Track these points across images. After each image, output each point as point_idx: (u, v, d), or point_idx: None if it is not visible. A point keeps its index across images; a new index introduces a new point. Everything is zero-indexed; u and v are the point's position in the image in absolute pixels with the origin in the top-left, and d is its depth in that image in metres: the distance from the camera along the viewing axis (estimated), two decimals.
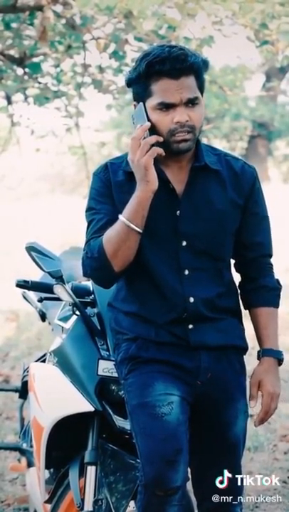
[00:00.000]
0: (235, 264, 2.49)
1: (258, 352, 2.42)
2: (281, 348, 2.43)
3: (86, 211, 2.39)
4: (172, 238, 2.31)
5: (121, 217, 2.23)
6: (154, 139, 2.20)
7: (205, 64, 2.29)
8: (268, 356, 2.40)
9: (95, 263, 2.28)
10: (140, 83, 2.26)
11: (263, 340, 2.42)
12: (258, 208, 2.42)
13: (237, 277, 2.48)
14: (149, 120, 2.23)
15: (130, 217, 2.22)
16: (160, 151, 2.20)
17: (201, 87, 2.28)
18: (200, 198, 2.33)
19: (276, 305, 2.46)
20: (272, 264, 2.49)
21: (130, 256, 2.26)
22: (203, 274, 2.33)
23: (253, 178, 2.41)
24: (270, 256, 2.48)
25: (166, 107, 2.23)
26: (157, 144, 2.22)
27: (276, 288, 2.47)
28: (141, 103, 2.24)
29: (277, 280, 2.48)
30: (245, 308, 2.49)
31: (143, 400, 2.28)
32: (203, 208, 2.33)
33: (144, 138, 2.20)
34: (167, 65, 2.21)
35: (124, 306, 2.39)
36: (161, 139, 2.21)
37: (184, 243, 2.31)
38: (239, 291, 2.49)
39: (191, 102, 2.24)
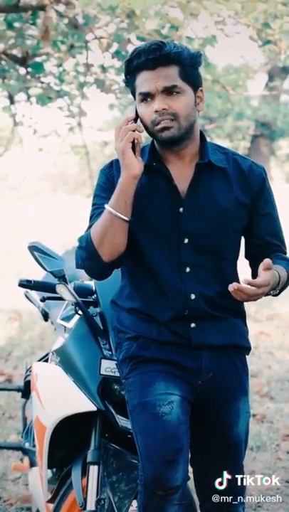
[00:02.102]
0: (249, 264, 2.47)
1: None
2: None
3: (91, 206, 2.41)
4: (174, 235, 2.31)
5: (106, 205, 2.27)
6: (133, 126, 2.25)
7: (194, 56, 2.28)
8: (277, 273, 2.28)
9: (84, 253, 2.30)
10: (129, 81, 2.32)
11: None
12: (270, 209, 2.42)
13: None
14: (137, 114, 2.29)
15: (113, 204, 2.25)
16: (137, 135, 2.25)
17: (189, 78, 2.27)
18: (204, 195, 2.33)
19: (287, 269, 2.36)
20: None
21: (118, 245, 2.27)
22: (205, 272, 2.33)
23: (262, 178, 2.40)
24: (285, 254, 2.47)
25: (145, 97, 2.27)
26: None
27: None
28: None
29: None
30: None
31: (143, 399, 2.29)
32: (206, 205, 2.33)
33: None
34: (142, 58, 2.25)
35: (126, 304, 2.39)
36: (141, 128, 2.27)
37: (186, 240, 2.31)
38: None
39: (169, 91, 2.25)
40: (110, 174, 2.37)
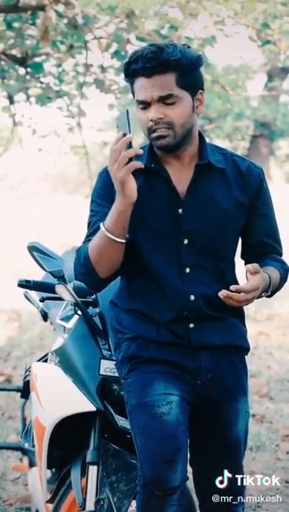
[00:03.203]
0: (245, 264, 2.47)
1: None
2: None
3: (89, 211, 2.41)
4: (173, 236, 2.31)
5: (102, 226, 2.23)
6: (132, 152, 2.15)
7: (193, 61, 2.25)
8: (268, 276, 2.28)
9: (82, 268, 2.31)
10: (129, 83, 2.30)
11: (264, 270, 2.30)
12: (267, 209, 2.43)
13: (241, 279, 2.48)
14: (130, 129, 2.18)
15: (110, 228, 2.22)
16: (139, 164, 2.16)
17: (186, 84, 2.25)
18: (203, 196, 2.33)
19: (280, 272, 2.38)
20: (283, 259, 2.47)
21: (114, 264, 2.28)
22: (205, 273, 2.33)
23: (259, 178, 2.41)
24: (280, 255, 2.48)
25: (142, 105, 2.25)
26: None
27: (283, 262, 2.43)
28: (126, 109, 2.20)
29: (287, 264, 2.45)
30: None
31: (142, 399, 2.29)
32: (206, 206, 2.33)
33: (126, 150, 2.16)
34: (140, 64, 2.22)
35: (126, 304, 2.39)
36: (140, 152, 2.17)
37: (186, 241, 2.31)
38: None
39: (164, 100, 2.23)
40: (108, 179, 2.36)
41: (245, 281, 2.47)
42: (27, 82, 6.26)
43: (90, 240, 2.31)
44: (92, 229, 2.34)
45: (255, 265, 2.21)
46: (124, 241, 2.24)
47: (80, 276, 2.35)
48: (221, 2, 4.21)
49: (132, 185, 2.17)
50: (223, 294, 2.16)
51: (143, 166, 2.19)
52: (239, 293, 2.17)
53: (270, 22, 4.59)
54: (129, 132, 2.15)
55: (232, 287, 2.16)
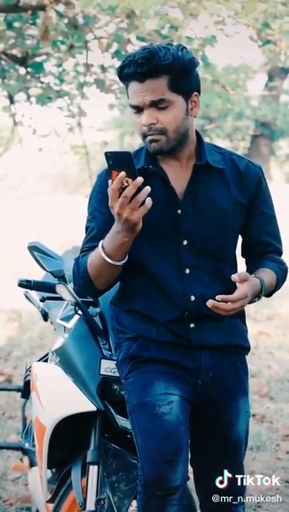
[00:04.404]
0: (245, 262, 2.49)
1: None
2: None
3: (87, 213, 2.42)
4: (173, 237, 2.31)
5: (101, 251, 2.21)
6: (145, 194, 2.09)
7: (186, 65, 2.23)
8: (258, 279, 2.28)
9: (81, 281, 2.33)
10: (124, 86, 2.30)
11: (256, 273, 2.32)
12: (267, 208, 2.43)
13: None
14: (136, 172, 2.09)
15: (110, 253, 2.21)
16: (150, 203, 2.12)
17: (179, 88, 2.23)
18: (202, 196, 2.33)
19: (276, 271, 2.38)
20: (282, 259, 2.47)
21: (113, 278, 2.30)
22: (204, 273, 2.33)
23: (258, 177, 2.40)
24: (280, 254, 2.48)
25: (136, 109, 2.26)
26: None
27: (281, 262, 2.43)
28: (128, 151, 2.11)
29: (284, 262, 2.45)
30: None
31: (143, 399, 2.29)
32: (205, 206, 2.33)
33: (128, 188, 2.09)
34: (132, 69, 2.22)
35: (126, 304, 2.40)
36: (148, 188, 2.10)
37: (185, 242, 2.31)
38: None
39: (156, 104, 2.23)
40: (107, 183, 2.37)
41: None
42: (27, 82, 6.26)
43: (88, 249, 2.32)
44: (91, 235, 2.35)
45: (242, 274, 2.21)
46: (123, 262, 2.24)
47: (79, 288, 2.39)
48: (221, 2, 4.21)
49: (141, 225, 2.15)
50: (210, 303, 2.16)
51: (151, 204, 2.13)
52: (226, 302, 2.16)
53: (271, 22, 4.59)
54: (135, 175, 2.09)
55: (218, 297, 2.16)
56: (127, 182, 2.09)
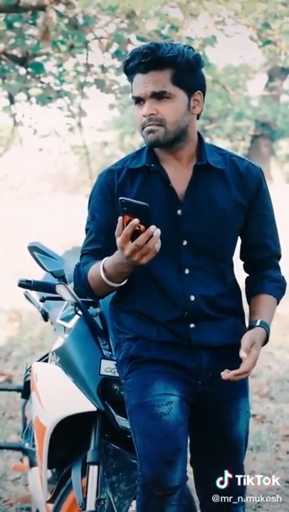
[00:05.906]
0: (243, 265, 2.49)
1: (251, 321, 2.35)
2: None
3: (87, 213, 2.42)
4: (173, 237, 2.31)
5: (102, 272, 2.22)
6: (155, 241, 2.07)
7: (191, 60, 2.25)
8: (262, 328, 2.33)
9: (82, 289, 2.37)
10: (130, 83, 2.31)
11: (259, 313, 2.36)
12: (266, 210, 2.42)
13: (240, 279, 2.48)
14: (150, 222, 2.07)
15: (111, 277, 2.22)
16: (158, 248, 2.09)
17: (182, 82, 2.25)
18: (202, 197, 2.33)
19: (276, 295, 2.42)
20: (279, 265, 2.48)
21: (114, 291, 2.35)
22: (204, 273, 2.34)
23: (258, 178, 2.40)
24: (279, 257, 2.48)
25: (137, 100, 2.27)
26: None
27: (280, 281, 2.45)
28: (146, 204, 2.05)
29: (283, 277, 2.47)
30: (247, 300, 2.45)
31: (142, 399, 2.29)
32: (205, 207, 2.33)
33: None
34: (136, 60, 2.24)
35: (126, 304, 2.40)
36: (158, 231, 2.07)
37: (185, 242, 2.31)
38: (245, 285, 2.48)
39: (157, 96, 2.24)
40: (107, 183, 2.36)
41: (244, 280, 2.48)
42: (27, 82, 6.26)
43: (88, 252, 2.35)
44: (91, 238, 2.37)
45: (247, 346, 2.24)
46: (123, 283, 2.26)
47: (80, 294, 2.47)
48: (221, 2, 4.21)
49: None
50: (225, 376, 2.21)
51: (159, 247, 2.11)
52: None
53: (271, 22, 4.59)
54: (149, 224, 2.06)
55: (228, 375, 2.21)
56: (139, 227, 2.06)
